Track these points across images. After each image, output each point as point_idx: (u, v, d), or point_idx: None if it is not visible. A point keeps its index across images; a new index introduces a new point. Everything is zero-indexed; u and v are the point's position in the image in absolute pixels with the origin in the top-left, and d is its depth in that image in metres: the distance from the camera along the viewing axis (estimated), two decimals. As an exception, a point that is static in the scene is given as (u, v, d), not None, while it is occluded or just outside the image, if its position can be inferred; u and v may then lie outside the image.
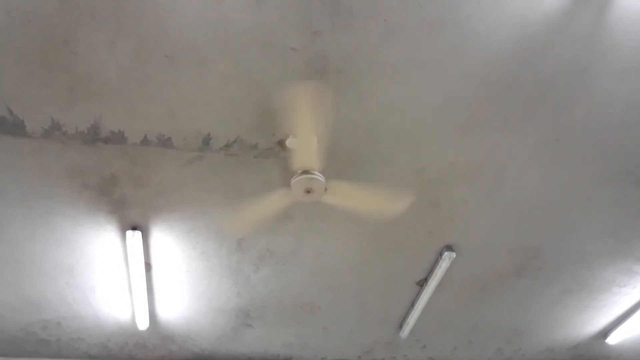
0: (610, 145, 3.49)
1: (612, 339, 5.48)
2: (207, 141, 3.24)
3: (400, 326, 5.10)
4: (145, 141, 3.21)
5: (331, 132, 3.18)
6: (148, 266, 4.13)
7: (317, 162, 2.85)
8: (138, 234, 3.74)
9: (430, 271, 4.45)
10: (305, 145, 2.76)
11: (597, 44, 2.89)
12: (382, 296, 4.73)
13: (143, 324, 4.60)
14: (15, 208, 3.55)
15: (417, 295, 4.72)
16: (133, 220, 3.72)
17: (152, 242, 3.92)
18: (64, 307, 4.42)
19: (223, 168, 3.43)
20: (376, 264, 4.36)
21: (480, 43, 2.83)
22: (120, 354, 5.04)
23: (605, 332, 5.46)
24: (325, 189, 2.94)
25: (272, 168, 3.44)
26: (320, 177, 2.85)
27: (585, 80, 3.08)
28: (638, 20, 2.79)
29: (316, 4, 2.59)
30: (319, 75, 2.91)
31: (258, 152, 3.34)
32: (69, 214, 3.63)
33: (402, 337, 5.14)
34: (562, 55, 2.93)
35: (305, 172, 2.84)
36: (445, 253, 4.18)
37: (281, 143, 3.28)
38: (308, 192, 2.90)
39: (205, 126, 3.15)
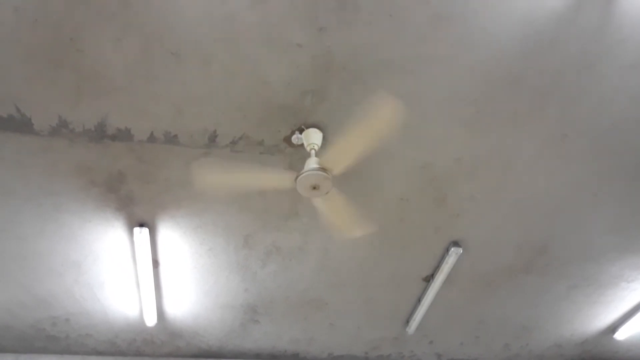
0: (618, 141, 3.47)
1: (620, 335, 5.46)
2: (213, 138, 3.25)
3: (407, 322, 5.10)
4: (151, 138, 3.22)
5: (330, 127, 3.19)
6: (155, 263, 4.15)
7: (344, 168, 2.87)
8: (145, 230, 3.76)
9: (437, 267, 4.45)
10: (348, 150, 2.77)
11: (605, 38, 2.87)
12: (389, 292, 4.73)
13: (151, 321, 4.62)
14: (23, 205, 3.58)
15: (424, 291, 4.72)
16: (140, 217, 3.74)
17: (160, 239, 3.94)
18: (73, 303, 4.46)
19: (229, 165, 3.43)
20: (383, 260, 4.36)
21: (486, 38, 2.82)
22: (128, 350, 5.07)
23: (614, 327, 5.44)
24: (330, 189, 2.93)
25: (277, 164, 3.44)
26: (329, 176, 2.85)
27: (593, 75, 3.06)
28: (646, 13, 2.76)
29: (322, -1, 2.59)
30: (325, 71, 2.91)
31: (264, 149, 3.34)
32: (77, 211, 3.65)
33: (408, 332, 5.14)
34: (569, 50, 2.91)
35: (323, 169, 2.84)
36: (452, 249, 4.18)
37: (287, 140, 3.28)
38: (314, 188, 2.90)
39: (211, 123, 3.16)
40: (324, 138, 3.23)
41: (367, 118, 2.62)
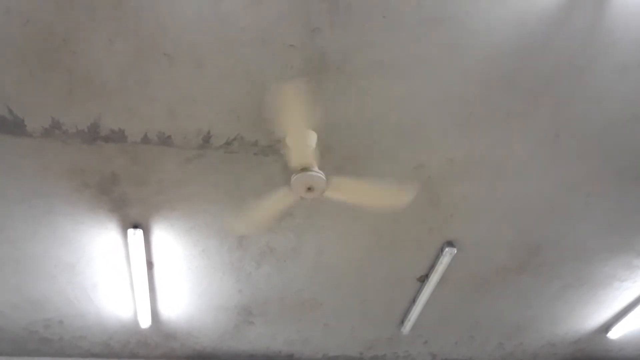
0: (611, 141, 3.49)
1: (614, 334, 5.49)
2: (207, 139, 3.24)
3: (402, 322, 5.11)
4: (145, 139, 3.21)
5: (325, 128, 3.19)
6: (149, 264, 4.14)
7: (313, 159, 2.85)
8: (139, 232, 3.75)
9: (431, 267, 4.46)
10: (300, 143, 2.76)
11: (597, 40, 2.88)
12: (383, 292, 4.74)
13: (145, 322, 4.61)
14: (16, 207, 3.56)
15: (418, 291, 4.73)
16: (134, 219, 3.73)
17: (154, 240, 3.93)
18: (66, 305, 4.44)
19: (223, 166, 3.43)
20: (377, 260, 4.37)
21: (479, 40, 2.83)
22: (123, 352, 5.05)
23: (607, 326, 5.47)
24: (327, 186, 2.93)
25: (272, 165, 3.44)
26: (320, 173, 2.85)
27: (585, 76, 3.07)
28: (638, 15, 2.78)
29: (315, 1, 2.59)
30: (318, 72, 2.91)
31: (258, 150, 3.34)
32: (70, 213, 3.64)
33: (403, 333, 5.15)
34: (561, 52, 2.93)
35: (304, 169, 2.84)
36: (446, 249, 4.19)
37: (281, 140, 3.28)
38: (309, 189, 2.90)
39: (205, 124, 3.15)
40: (317, 139, 3.22)
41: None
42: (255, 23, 2.67)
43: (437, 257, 4.35)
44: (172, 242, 3.97)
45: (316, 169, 2.87)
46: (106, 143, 3.21)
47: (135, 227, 3.76)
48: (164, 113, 3.07)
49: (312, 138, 3.18)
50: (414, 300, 4.83)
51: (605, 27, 2.83)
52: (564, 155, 3.56)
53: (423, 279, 4.61)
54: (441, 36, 2.80)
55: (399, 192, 3.22)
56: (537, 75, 3.05)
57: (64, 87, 2.88)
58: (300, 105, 2.54)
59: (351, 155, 3.42)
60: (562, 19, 2.77)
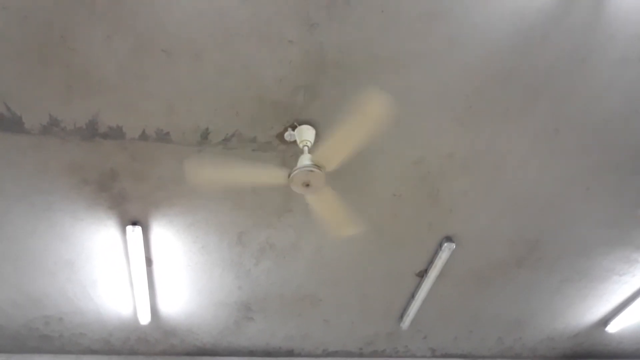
0: (610, 135, 3.49)
1: (612, 327, 5.51)
2: (205, 135, 3.24)
3: (401, 317, 5.12)
4: (143, 136, 3.21)
5: (323, 124, 3.18)
6: (149, 261, 4.14)
7: (336, 165, 2.86)
8: (138, 228, 3.75)
9: (430, 262, 4.46)
10: (340, 147, 2.76)
11: (596, 33, 2.88)
12: (383, 288, 4.75)
13: (145, 319, 4.61)
14: (15, 204, 3.55)
15: (418, 287, 4.74)
16: (133, 215, 3.72)
17: (153, 237, 3.93)
18: (66, 302, 4.44)
19: (222, 162, 3.42)
20: (376, 256, 4.37)
21: (478, 34, 2.83)
22: (123, 348, 5.06)
23: (605, 320, 5.49)
24: (325, 183, 2.93)
25: (270, 161, 3.44)
26: (320, 170, 2.85)
27: (584, 70, 3.07)
28: (637, 9, 2.78)
29: (313, -4, 2.58)
30: (317, 67, 2.90)
31: (256, 146, 3.34)
32: (69, 210, 3.63)
33: (403, 328, 5.16)
34: (560, 46, 2.93)
35: (317, 165, 2.84)
36: (445, 244, 4.19)
37: (279, 136, 3.28)
38: (307, 185, 2.90)
39: (203, 120, 3.15)
40: (316, 135, 3.23)
41: (357, 114, 2.62)
42: (253, 18, 2.67)
43: (436, 253, 4.35)
44: (171, 239, 3.97)
45: (314, 165, 2.85)
46: (105, 140, 3.21)
47: (134, 223, 3.76)
48: (162, 109, 3.06)
49: (311, 134, 3.18)
50: (413, 296, 4.84)
51: (604, 21, 2.83)
52: (563, 149, 3.57)
53: (422, 274, 4.62)
54: (440, 31, 2.80)
55: (350, 224, 3.30)
56: (536, 70, 3.05)
57: (62, 84, 2.87)
58: (374, 119, 2.60)
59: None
60: (560, 13, 2.77)
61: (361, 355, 5.62)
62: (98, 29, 2.64)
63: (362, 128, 2.67)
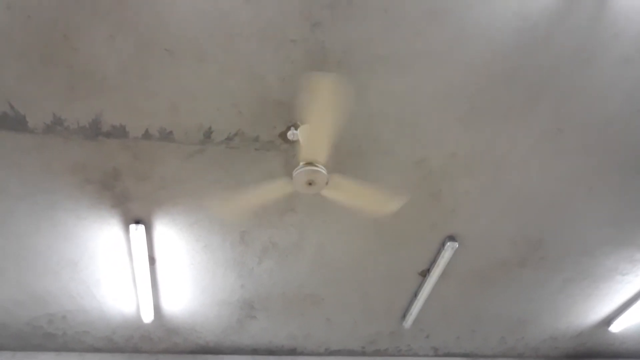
0: (613, 135, 3.48)
1: (615, 327, 5.49)
2: (208, 134, 3.24)
3: (404, 316, 5.12)
4: (146, 135, 3.21)
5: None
6: (152, 259, 4.15)
7: (324, 155, 2.83)
8: (141, 227, 3.75)
9: (433, 262, 4.46)
10: (316, 137, 2.72)
11: (599, 32, 2.87)
12: (385, 287, 4.75)
13: (148, 317, 4.62)
14: (18, 203, 3.57)
15: (420, 286, 4.73)
16: (136, 214, 3.73)
17: (156, 236, 3.94)
18: (69, 301, 4.45)
19: (225, 161, 3.43)
20: (379, 255, 4.37)
21: (481, 33, 2.82)
22: (126, 346, 5.08)
23: (609, 320, 5.48)
24: (327, 182, 2.93)
25: (273, 160, 3.45)
26: (322, 169, 2.85)
27: (587, 70, 3.06)
28: (639, 7, 2.77)
29: (316, -5, 2.58)
30: (319, 67, 2.90)
31: (259, 145, 3.34)
32: (72, 209, 3.64)
33: (405, 327, 5.16)
34: (563, 45, 2.92)
35: (309, 163, 2.83)
36: (448, 243, 4.19)
37: (282, 135, 3.28)
38: (310, 184, 2.90)
39: (206, 119, 3.16)
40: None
41: (315, 102, 2.56)
42: (256, 17, 2.67)
43: (438, 252, 4.35)
44: (174, 238, 3.98)
45: (321, 164, 2.85)
46: (108, 139, 3.21)
47: (137, 222, 3.77)
48: (165, 108, 3.07)
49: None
50: (415, 295, 4.84)
51: (607, 21, 2.82)
52: (566, 149, 3.56)
53: (425, 273, 4.62)
54: (442, 30, 2.79)
55: (391, 198, 3.21)
56: (539, 69, 3.04)
57: (65, 83, 2.88)
58: (326, 98, 2.49)
59: (352, 149, 3.42)
60: (563, 13, 2.76)
61: (363, 354, 5.63)
62: (101, 28, 2.65)
63: (324, 111, 2.60)
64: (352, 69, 2.94)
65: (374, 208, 3.23)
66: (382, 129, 3.31)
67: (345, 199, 3.12)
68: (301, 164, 2.83)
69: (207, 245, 4.07)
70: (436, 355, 5.79)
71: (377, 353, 5.64)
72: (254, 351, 5.37)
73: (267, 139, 3.30)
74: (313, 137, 2.73)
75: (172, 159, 3.38)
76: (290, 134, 3.24)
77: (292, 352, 5.45)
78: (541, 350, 5.88)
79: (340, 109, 2.65)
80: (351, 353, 5.59)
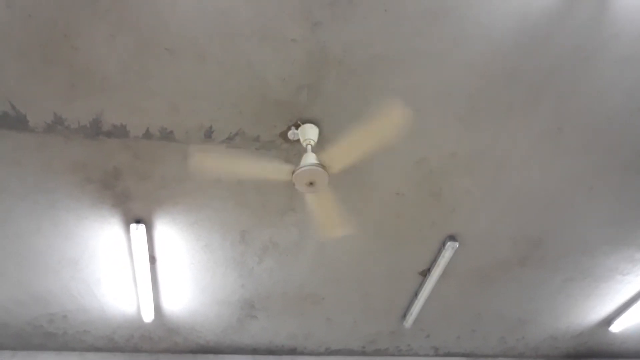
0: (613, 134, 3.48)
1: (616, 327, 5.49)
2: (209, 134, 3.25)
3: (404, 316, 5.12)
4: (147, 134, 3.22)
5: (326, 122, 3.19)
6: (152, 259, 4.16)
7: (342, 167, 2.90)
8: (142, 227, 3.76)
9: (434, 261, 4.46)
10: (349, 150, 2.82)
11: (599, 32, 2.87)
12: (386, 286, 4.75)
13: (148, 317, 4.63)
14: (19, 203, 3.57)
15: (421, 286, 4.73)
16: (137, 214, 3.74)
17: (156, 235, 3.94)
18: (70, 300, 4.46)
19: (227, 156, 3.42)
20: (379, 254, 4.37)
21: (481, 33, 2.82)
22: (126, 346, 5.08)
23: (609, 320, 5.48)
24: (328, 182, 2.93)
25: (274, 160, 3.44)
26: (323, 169, 2.85)
27: (588, 68, 3.06)
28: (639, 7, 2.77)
29: (316, -5, 2.59)
30: (320, 66, 2.91)
31: (260, 145, 3.34)
32: (73, 208, 3.65)
33: (405, 327, 5.16)
34: (564, 44, 2.92)
35: (321, 165, 2.86)
36: (448, 243, 4.19)
37: (283, 135, 3.28)
38: (310, 184, 2.91)
39: (206, 119, 3.16)
40: (320, 133, 3.23)
41: (373, 120, 2.63)
42: (256, 17, 2.67)
43: (439, 251, 4.35)
44: (174, 237, 3.98)
45: (318, 164, 2.86)
46: (108, 138, 3.22)
47: (138, 221, 3.77)
48: (165, 108, 3.07)
49: (315, 133, 3.18)
50: (416, 294, 4.84)
51: (607, 20, 2.82)
52: (567, 148, 3.56)
53: (425, 273, 4.62)
54: (443, 30, 2.80)
55: (340, 225, 3.31)
56: (539, 68, 3.04)
57: (66, 82, 2.88)
58: (390, 129, 2.66)
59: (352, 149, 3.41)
60: (564, 12, 2.76)
61: (364, 353, 5.63)
62: (101, 27, 2.65)
63: (375, 136, 2.68)
64: (353, 68, 2.94)
65: (327, 227, 3.33)
66: (392, 138, 3.30)
67: (316, 209, 3.18)
68: (312, 161, 2.85)
69: (208, 244, 4.08)
70: (436, 355, 5.79)
71: (377, 353, 5.64)
72: (254, 351, 5.37)
73: (267, 139, 3.30)
74: (346, 149, 2.81)
75: (172, 158, 3.38)
76: (290, 134, 3.24)
77: (293, 351, 5.46)
78: (541, 350, 5.89)
79: (386, 139, 2.72)
80: (351, 353, 5.59)
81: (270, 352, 5.41)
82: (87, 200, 3.60)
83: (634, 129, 3.46)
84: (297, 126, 3.21)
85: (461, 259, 4.46)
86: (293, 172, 2.87)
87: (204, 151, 2.98)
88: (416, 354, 5.74)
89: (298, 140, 3.27)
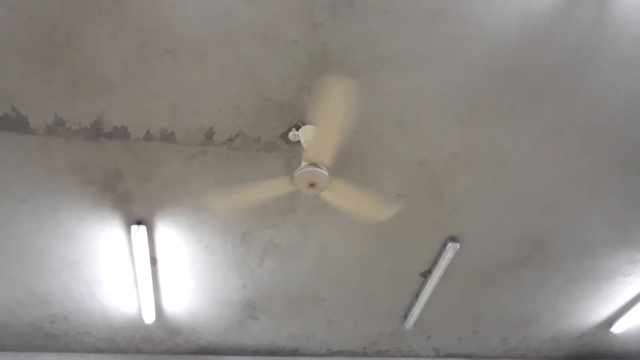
0: (614, 134, 3.48)
1: (617, 328, 5.48)
2: (210, 135, 3.25)
3: (405, 317, 5.12)
4: (148, 136, 3.22)
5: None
6: (153, 260, 4.16)
7: (329, 157, 2.81)
8: (143, 228, 3.76)
9: (435, 262, 4.46)
10: (322, 139, 2.71)
11: (601, 32, 2.87)
12: (387, 287, 4.75)
13: (149, 318, 4.63)
14: (20, 204, 3.57)
15: (422, 287, 4.73)
16: (138, 215, 3.74)
17: (157, 236, 3.94)
18: (71, 301, 4.46)
19: (226, 162, 3.43)
20: (380, 255, 4.37)
21: (483, 33, 2.82)
22: (127, 347, 5.08)
23: (610, 321, 5.47)
24: (329, 183, 2.92)
25: (274, 161, 3.45)
26: (324, 171, 2.84)
27: (589, 69, 3.06)
28: (641, 8, 2.77)
29: (317, -4, 2.59)
30: (321, 67, 2.91)
31: (261, 146, 3.34)
32: (74, 209, 3.65)
33: (407, 328, 5.16)
34: (565, 45, 2.92)
35: (313, 164, 2.82)
36: (450, 244, 4.19)
37: (283, 136, 3.28)
38: (311, 185, 2.90)
39: (207, 120, 3.16)
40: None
41: (327, 103, 2.55)
42: (257, 18, 2.67)
43: (440, 252, 4.35)
44: (175, 238, 3.98)
45: (324, 165, 2.85)
46: (109, 140, 3.22)
47: (139, 223, 3.77)
48: (166, 109, 3.07)
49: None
50: (417, 295, 4.83)
51: (609, 20, 2.82)
52: (568, 148, 3.55)
53: (426, 274, 4.61)
54: (444, 30, 2.79)
55: (385, 206, 3.22)
56: (540, 69, 3.04)
57: (67, 84, 2.89)
58: (337, 101, 2.49)
59: (354, 150, 3.42)
60: (565, 12, 2.76)
61: (365, 354, 5.63)
62: (103, 29, 2.65)
63: (336, 114, 2.59)
64: (354, 69, 2.94)
65: (369, 213, 3.22)
66: (383, 129, 3.31)
67: (343, 202, 3.11)
68: (304, 164, 2.82)
69: (209, 245, 4.08)
70: (437, 356, 5.79)
71: (378, 354, 5.63)
72: (256, 352, 5.37)
73: (268, 140, 3.30)
74: (320, 139, 2.71)
75: (173, 159, 3.38)
76: (291, 135, 3.24)
77: (294, 352, 5.45)
78: (543, 351, 5.88)
79: (349, 113, 2.64)
80: (353, 354, 5.59)
81: (271, 353, 5.41)
82: (88, 201, 3.60)
83: (636, 129, 3.45)
84: (297, 127, 3.21)
85: (462, 259, 4.46)
86: (294, 175, 2.86)
87: (220, 202, 3.09)
88: (417, 355, 5.74)
89: (299, 142, 3.27)
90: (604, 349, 5.96)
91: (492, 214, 4.04)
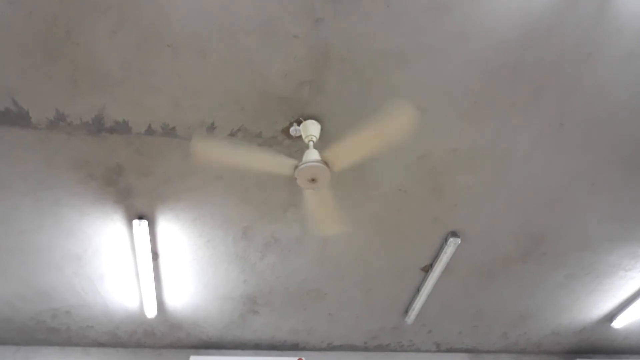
0: (615, 130, 3.47)
1: (618, 323, 5.49)
2: (211, 130, 3.25)
3: (406, 312, 5.13)
4: (149, 131, 3.22)
5: (328, 118, 3.18)
6: (155, 255, 4.17)
7: (344, 165, 2.88)
8: (144, 223, 3.77)
9: (436, 257, 4.47)
10: (353, 149, 2.81)
11: (602, 27, 2.86)
12: (388, 282, 4.76)
13: (151, 312, 4.64)
14: (22, 199, 3.58)
15: (423, 281, 4.74)
16: (139, 210, 3.75)
17: (159, 231, 3.95)
18: (73, 296, 4.48)
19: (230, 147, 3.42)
20: (381, 250, 4.38)
21: (484, 28, 2.82)
22: (129, 341, 5.10)
23: (611, 316, 5.48)
24: (330, 178, 2.93)
25: (277, 155, 3.44)
26: (325, 165, 2.85)
27: (590, 64, 3.05)
28: (644, 2, 2.75)
29: (318, -10, 2.58)
30: (322, 62, 2.90)
31: (262, 141, 3.34)
32: (76, 204, 3.66)
33: (407, 322, 5.17)
34: (566, 40, 2.91)
35: (321, 161, 2.85)
36: (450, 239, 4.19)
37: (285, 131, 3.28)
38: (312, 180, 2.90)
39: (208, 115, 3.16)
40: (322, 129, 3.23)
41: (378, 121, 2.61)
42: (258, 13, 2.66)
43: (441, 247, 4.36)
44: (177, 233, 3.99)
45: (321, 160, 2.85)
46: (111, 134, 3.22)
47: (141, 217, 3.78)
48: (167, 104, 3.07)
49: (317, 129, 3.18)
50: (418, 290, 4.84)
51: (610, 15, 2.81)
52: (569, 144, 3.55)
53: (427, 269, 4.62)
54: (445, 25, 2.79)
55: (337, 221, 3.30)
56: (541, 64, 3.03)
57: (68, 79, 2.89)
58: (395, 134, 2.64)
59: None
60: (566, 7, 2.75)
61: (366, 349, 5.64)
62: (103, 23, 2.65)
63: (380, 137, 2.67)
64: (355, 64, 2.93)
65: (321, 222, 3.30)
66: (397, 140, 3.29)
67: (312, 203, 3.17)
68: (317, 158, 2.85)
69: (210, 240, 4.09)
70: (438, 351, 5.80)
71: (379, 348, 5.65)
72: (257, 346, 5.39)
73: (269, 135, 3.30)
74: (350, 148, 2.80)
75: (175, 154, 3.39)
76: (292, 130, 3.24)
77: (295, 347, 5.47)
78: (543, 345, 5.89)
79: (392, 140, 2.72)
80: (353, 348, 5.61)
81: (272, 347, 5.42)
82: (90, 196, 3.61)
83: (637, 125, 3.45)
84: (299, 122, 3.21)
85: (463, 254, 4.47)
86: (295, 168, 2.86)
87: (208, 143, 2.96)
88: (418, 350, 5.75)
89: (300, 137, 3.27)
90: (604, 343, 5.97)
91: (492, 209, 4.04)
